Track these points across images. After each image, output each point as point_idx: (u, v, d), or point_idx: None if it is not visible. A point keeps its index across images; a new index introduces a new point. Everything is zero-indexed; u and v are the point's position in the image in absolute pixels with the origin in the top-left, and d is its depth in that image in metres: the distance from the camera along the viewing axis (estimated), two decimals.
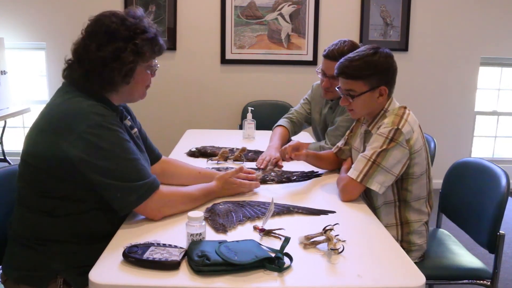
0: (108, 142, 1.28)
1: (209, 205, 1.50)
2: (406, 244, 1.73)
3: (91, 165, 1.26)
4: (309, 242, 1.24)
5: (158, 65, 1.48)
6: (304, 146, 1.86)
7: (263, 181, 1.80)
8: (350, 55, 1.70)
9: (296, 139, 2.36)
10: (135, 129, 1.58)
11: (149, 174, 1.36)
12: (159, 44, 1.41)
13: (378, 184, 1.61)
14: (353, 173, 1.64)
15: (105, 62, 1.31)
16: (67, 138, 1.25)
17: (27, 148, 1.34)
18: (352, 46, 2.07)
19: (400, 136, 1.59)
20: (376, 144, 1.62)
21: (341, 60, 1.71)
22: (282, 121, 2.48)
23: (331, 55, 2.09)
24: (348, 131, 1.99)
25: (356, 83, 1.67)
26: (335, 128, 2.18)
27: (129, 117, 1.56)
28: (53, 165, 1.28)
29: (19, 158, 1.37)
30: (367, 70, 1.66)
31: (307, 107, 2.51)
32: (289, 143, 1.92)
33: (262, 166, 1.96)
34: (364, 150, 1.71)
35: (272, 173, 1.87)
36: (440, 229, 2.15)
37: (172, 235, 1.28)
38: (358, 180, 1.62)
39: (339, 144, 2.01)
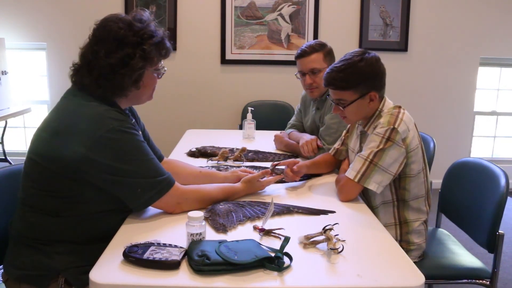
0: (127, 145, 1.32)
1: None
2: (405, 243, 1.74)
3: (110, 168, 1.29)
4: (309, 242, 1.25)
5: (166, 69, 1.50)
6: (297, 162, 1.85)
7: None
8: (337, 64, 1.69)
9: None
10: (139, 132, 1.59)
11: (165, 171, 1.41)
12: (166, 47, 1.44)
13: (376, 184, 1.62)
14: (350, 173, 1.65)
15: (115, 68, 1.34)
16: (85, 142, 1.27)
17: (37, 148, 1.35)
18: (320, 41, 2.29)
19: (397, 135, 1.60)
20: (373, 144, 1.62)
21: (328, 70, 1.71)
22: (290, 130, 2.52)
23: (302, 52, 2.27)
24: (344, 131, 2.00)
25: (345, 93, 1.68)
26: (326, 127, 2.19)
27: (133, 120, 1.57)
28: (67, 167, 1.28)
29: (20, 158, 1.37)
30: (354, 80, 1.66)
31: (299, 116, 2.59)
32: (287, 160, 1.88)
33: (311, 154, 2.12)
34: (360, 151, 1.72)
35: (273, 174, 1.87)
36: (440, 229, 2.16)
37: (172, 235, 1.29)
38: (356, 180, 1.62)
39: (336, 145, 2.01)
